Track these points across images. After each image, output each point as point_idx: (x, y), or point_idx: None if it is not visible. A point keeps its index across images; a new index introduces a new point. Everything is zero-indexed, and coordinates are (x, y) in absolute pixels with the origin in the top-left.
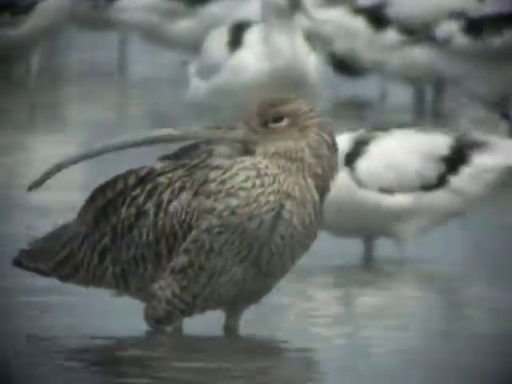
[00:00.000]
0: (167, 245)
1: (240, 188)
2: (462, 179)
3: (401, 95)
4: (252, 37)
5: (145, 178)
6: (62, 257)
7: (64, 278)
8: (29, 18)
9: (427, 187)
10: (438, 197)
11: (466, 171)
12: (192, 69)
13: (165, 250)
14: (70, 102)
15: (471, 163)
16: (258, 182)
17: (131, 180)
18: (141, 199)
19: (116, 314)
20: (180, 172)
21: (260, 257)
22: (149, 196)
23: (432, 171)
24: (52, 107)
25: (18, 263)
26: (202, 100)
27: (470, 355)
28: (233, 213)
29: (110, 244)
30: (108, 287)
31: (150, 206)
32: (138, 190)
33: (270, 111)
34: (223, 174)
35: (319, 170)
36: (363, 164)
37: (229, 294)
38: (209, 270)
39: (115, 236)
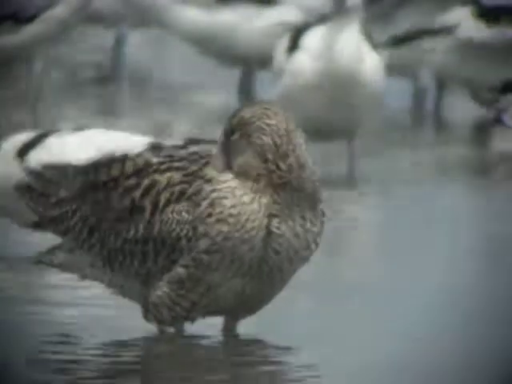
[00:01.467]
0: (154, 248)
1: (229, 215)
2: None
3: (400, 96)
4: (309, 39)
5: (142, 170)
6: (57, 213)
7: (56, 233)
8: (32, 26)
9: None
10: None
11: None
12: None
13: (152, 252)
14: (71, 108)
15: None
16: (242, 209)
17: (128, 168)
18: (137, 193)
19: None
20: (179, 176)
21: (260, 272)
22: (146, 192)
23: None
24: (54, 112)
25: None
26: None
27: None
28: (226, 238)
29: (97, 224)
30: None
31: (147, 204)
32: (132, 181)
33: (226, 127)
34: (212, 192)
35: (274, 177)
36: (35, 156)
37: (228, 303)
38: (206, 282)
39: (104, 221)
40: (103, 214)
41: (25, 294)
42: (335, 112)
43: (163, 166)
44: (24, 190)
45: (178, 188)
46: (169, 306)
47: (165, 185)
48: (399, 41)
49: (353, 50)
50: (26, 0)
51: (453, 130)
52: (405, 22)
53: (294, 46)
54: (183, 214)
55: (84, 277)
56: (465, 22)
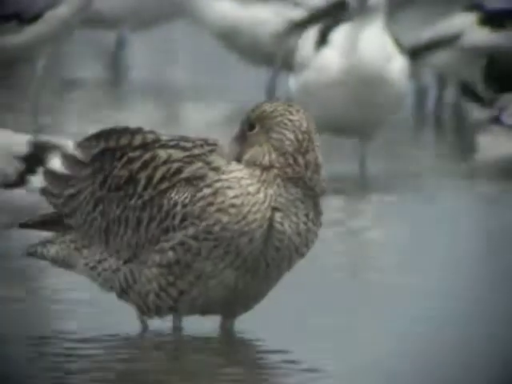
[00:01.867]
0: (150, 215)
1: (231, 205)
2: (40, 179)
3: None
4: (337, 36)
5: (148, 144)
6: (71, 193)
7: (66, 216)
8: (35, 26)
9: (8, 185)
10: (19, 195)
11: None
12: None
13: (146, 219)
14: (72, 109)
15: (46, 164)
16: (245, 199)
17: (136, 141)
18: (136, 166)
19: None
20: (180, 154)
21: (256, 267)
22: (144, 166)
23: (11, 169)
24: (54, 113)
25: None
26: (293, 96)
27: None
28: (224, 229)
29: (102, 197)
30: (94, 239)
31: (142, 176)
32: (137, 153)
33: (245, 120)
34: (217, 182)
35: (289, 171)
36: None
37: (219, 298)
38: (196, 270)
39: (103, 186)
40: (107, 183)
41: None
42: (357, 110)
43: (170, 143)
44: (49, 174)
45: (175, 165)
46: (156, 293)
47: (164, 160)
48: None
49: (377, 48)
50: (29, 0)
51: (453, 130)
52: (407, 23)
53: (322, 41)
54: (186, 194)
55: (77, 272)
56: (469, 30)
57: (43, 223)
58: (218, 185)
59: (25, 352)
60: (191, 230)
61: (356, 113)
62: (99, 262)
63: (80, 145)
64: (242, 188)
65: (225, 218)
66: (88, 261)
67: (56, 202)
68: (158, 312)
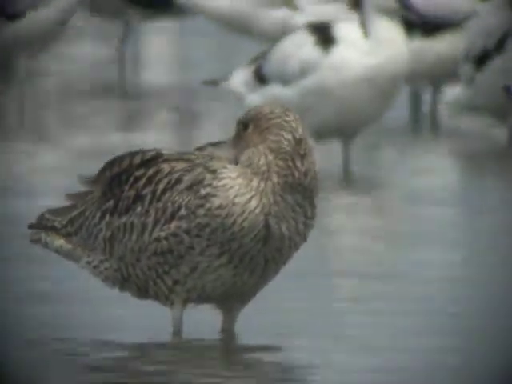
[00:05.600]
0: (155, 219)
1: (217, 214)
2: None
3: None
4: (346, 33)
5: (150, 161)
6: (76, 213)
7: (69, 235)
8: (17, 24)
9: None
10: None
11: None
12: (239, 79)
13: (151, 224)
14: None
15: None
16: (230, 210)
17: (136, 160)
18: (141, 183)
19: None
20: (183, 165)
21: (255, 264)
22: (148, 181)
23: None
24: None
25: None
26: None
27: None
28: (213, 233)
29: (111, 209)
30: (98, 250)
31: (147, 192)
32: (141, 171)
33: (240, 120)
34: (209, 186)
35: (289, 178)
36: None
37: (217, 292)
38: (190, 262)
39: (115, 209)
40: (118, 207)
41: None
42: (377, 105)
43: (173, 157)
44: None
45: (176, 176)
46: (153, 280)
47: (166, 172)
48: None
49: (402, 44)
50: None
51: (449, 132)
52: None
53: (327, 40)
54: (189, 196)
55: (79, 266)
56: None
57: (51, 227)
58: (208, 190)
59: None
60: (184, 224)
61: (376, 108)
62: (101, 261)
63: (91, 183)
64: (228, 199)
65: (213, 224)
66: (90, 259)
67: (58, 223)
68: (157, 299)
